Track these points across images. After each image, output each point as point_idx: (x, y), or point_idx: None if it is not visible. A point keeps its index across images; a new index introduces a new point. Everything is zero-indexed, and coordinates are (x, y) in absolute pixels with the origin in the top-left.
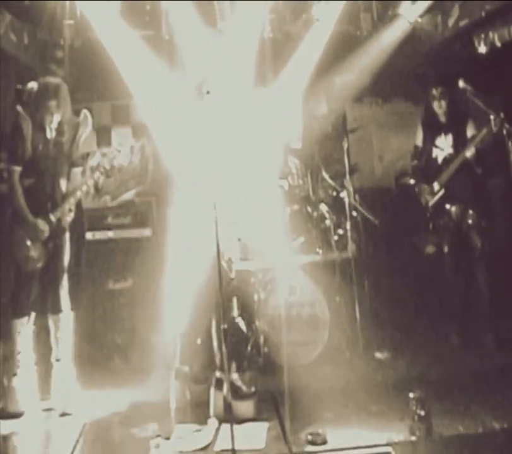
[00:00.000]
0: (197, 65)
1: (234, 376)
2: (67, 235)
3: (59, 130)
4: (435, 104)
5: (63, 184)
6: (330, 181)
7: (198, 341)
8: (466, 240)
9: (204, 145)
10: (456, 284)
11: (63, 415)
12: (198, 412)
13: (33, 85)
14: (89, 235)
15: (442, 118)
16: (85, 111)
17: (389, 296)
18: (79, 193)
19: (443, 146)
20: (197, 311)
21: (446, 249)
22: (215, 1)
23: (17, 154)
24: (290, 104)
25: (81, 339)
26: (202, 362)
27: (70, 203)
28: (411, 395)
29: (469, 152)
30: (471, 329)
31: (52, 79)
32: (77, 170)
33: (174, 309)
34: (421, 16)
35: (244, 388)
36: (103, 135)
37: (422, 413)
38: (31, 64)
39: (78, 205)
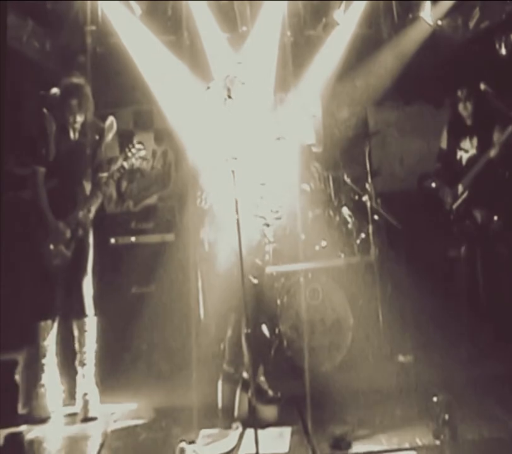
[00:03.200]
0: (218, 70)
1: (262, 378)
2: (91, 238)
3: (82, 132)
4: (460, 106)
5: (86, 186)
6: (351, 185)
7: (222, 346)
8: (489, 245)
9: (226, 149)
10: (475, 290)
11: (87, 420)
12: (224, 416)
13: (56, 91)
14: (112, 240)
15: (468, 121)
16: (111, 118)
17: (412, 300)
18: (101, 197)
19: (468, 148)
20: (220, 315)
21: (468, 253)
22: (235, 6)
23: (42, 155)
24: (312, 107)
25: (104, 344)
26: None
27: (93, 206)
28: (435, 398)
29: (493, 152)
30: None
31: (74, 79)
32: (102, 175)
33: (198, 313)
34: (442, 19)
35: (270, 392)
36: (125, 141)
37: (446, 417)
38: (53, 69)
39: (101, 209)
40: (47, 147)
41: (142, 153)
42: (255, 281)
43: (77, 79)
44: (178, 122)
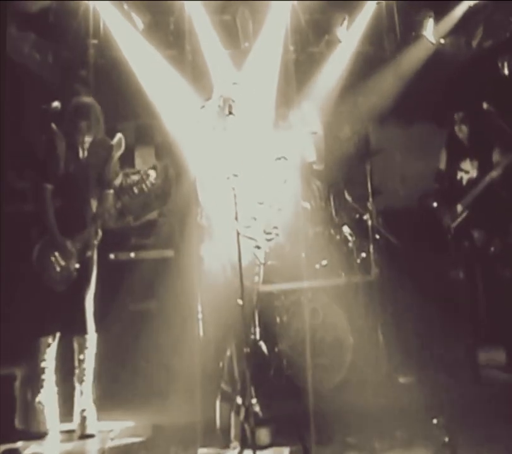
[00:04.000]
0: (220, 85)
1: (253, 401)
2: (95, 256)
3: (91, 151)
4: (456, 129)
5: (93, 205)
6: (352, 203)
7: (221, 364)
8: (489, 266)
9: (227, 166)
10: (475, 310)
11: (85, 437)
12: (222, 435)
13: (57, 104)
14: (111, 256)
15: (465, 142)
16: (120, 135)
17: (412, 320)
18: (107, 215)
19: (468, 169)
20: (219, 334)
21: (468, 273)
22: (238, 21)
23: (50, 172)
24: (313, 125)
25: (102, 361)
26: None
27: (99, 224)
28: (435, 420)
29: (495, 173)
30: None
31: (84, 99)
32: (109, 192)
33: (197, 331)
34: (444, 37)
35: (260, 414)
36: (126, 156)
37: (446, 439)
38: (55, 82)
39: (102, 225)
40: (57, 164)
41: (152, 178)
42: (240, 302)
43: (87, 99)
44: (179, 137)
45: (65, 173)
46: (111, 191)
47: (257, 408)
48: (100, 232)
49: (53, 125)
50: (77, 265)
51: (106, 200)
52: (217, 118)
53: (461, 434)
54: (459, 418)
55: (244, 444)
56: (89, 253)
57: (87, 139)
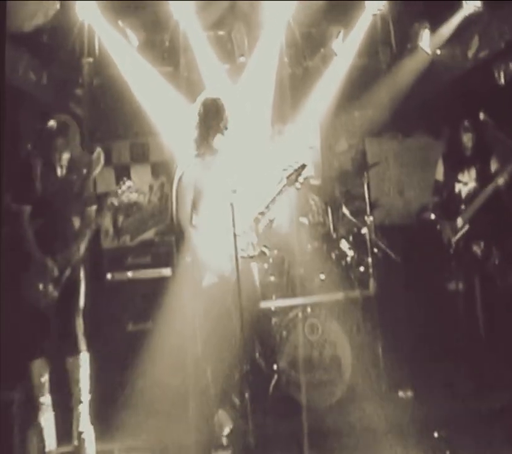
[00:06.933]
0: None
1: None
2: (82, 274)
3: (70, 168)
4: (465, 137)
5: (75, 222)
6: (350, 217)
7: (219, 384)
8: (489, 279)
9: (223, 181)
10: (475, 324)
11: None
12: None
13: (53, 124)
14: (108, 276)
15: (468, 152)
16: (99, 150)
17: (411, 334)
18: (90, 233)
19: (466, 180)
20: (217, 353)
21: (467, 287)
22: (233, 36)
23: (27, 193)
24: (310, 139)
25: (99, 382)
26: None
27: (82, 241)
28: (436, 434)
29: (502, 180)
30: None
31: (60, 117)
32: (91, 208)
33: (195, 350)
34: (440, 48)
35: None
36: (121, 174)
37: (448, 452)
38: (50, 102)
39: (97, 244)
40: (33, 184)
41: (133, 193)
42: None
43: (63, 117)
44: (175, 154)
45: (43, 192)
46: (94, 207)
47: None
48: (82, 251)
49: (29, 145)
50: (62, 284)
51: (89, 217)
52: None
53: (463, 447)
54: (461, 431)
55: None
56: (73, 271)
57: (65, 156)
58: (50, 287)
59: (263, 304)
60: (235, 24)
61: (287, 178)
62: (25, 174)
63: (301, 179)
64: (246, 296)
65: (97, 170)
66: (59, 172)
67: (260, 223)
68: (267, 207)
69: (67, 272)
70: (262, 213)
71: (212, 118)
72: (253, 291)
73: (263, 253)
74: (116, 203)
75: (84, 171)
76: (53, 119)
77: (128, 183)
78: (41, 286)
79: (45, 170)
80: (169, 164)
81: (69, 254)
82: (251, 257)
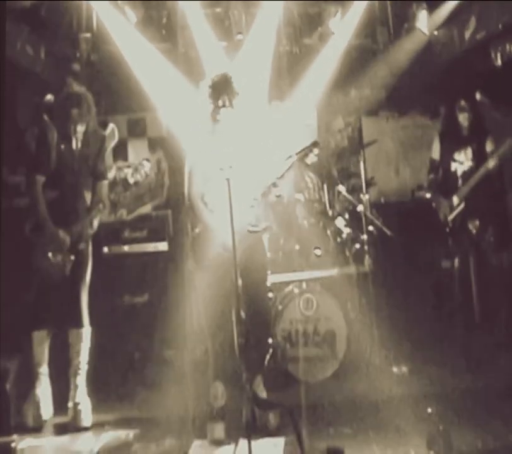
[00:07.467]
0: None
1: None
2: (90, 249)
3: (84, 142)
4: (461, 117)
5: (87, 197)
6: (346, 195)
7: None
8: (484, 257)
9: (220, 158)
10: (469, 300)
11: (79, 429)
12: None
13: (50, 98)
14: (105, 249)
15: (465, 131)
16: (112, 125)
17: (406, 310)
18: (101, 206)
19: (462, 160)
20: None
21: (462, 264)
22: (231, 14)
23: (42, 163)
24: (306, 117)
25: (96, 354)
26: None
27: (93, 216)
28: (429, 410)
29: (491, 164)
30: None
31: (75, 88)
32: (103, 183)
33: (192, 323)
34: (438, 29)
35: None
36: (119, 149)
37: (441, 428)
38: (48, 77)
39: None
40: (48, 155)
41: (147, 168)
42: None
43: (77, 88)
44: (172, 130)
45: (58, 164)
46: (106, 182)
47: (264, 395)
48: (95, 224)
49: (45, 117)
50: (72, 257)
51: (100, 191)
52: (210, 110)
53: (456, 423)
54: (454, 407)
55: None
56: (83, 245)
57: (80, 129)
58: (60, 259)
59: None
60: (233, 1)
61: (297, 154)
62: (40, 144)
63: (312, 156)
64: (254, 268)
65: (111, 145)
66: (74, 144)
67: (267, 198)
68: (275, 183)
69: (79, 246)
70: (270, 188)
71: (221, 91)
72: (262, 263)
73: (270, 227)
74: (131, 181)
75: (98, 145)
76: (68, 91)
77: (146, 164)
78: (51, 256)
79: (61, 142)
80: (166, 140)
81: (81, 227)
82: (259, 231)
